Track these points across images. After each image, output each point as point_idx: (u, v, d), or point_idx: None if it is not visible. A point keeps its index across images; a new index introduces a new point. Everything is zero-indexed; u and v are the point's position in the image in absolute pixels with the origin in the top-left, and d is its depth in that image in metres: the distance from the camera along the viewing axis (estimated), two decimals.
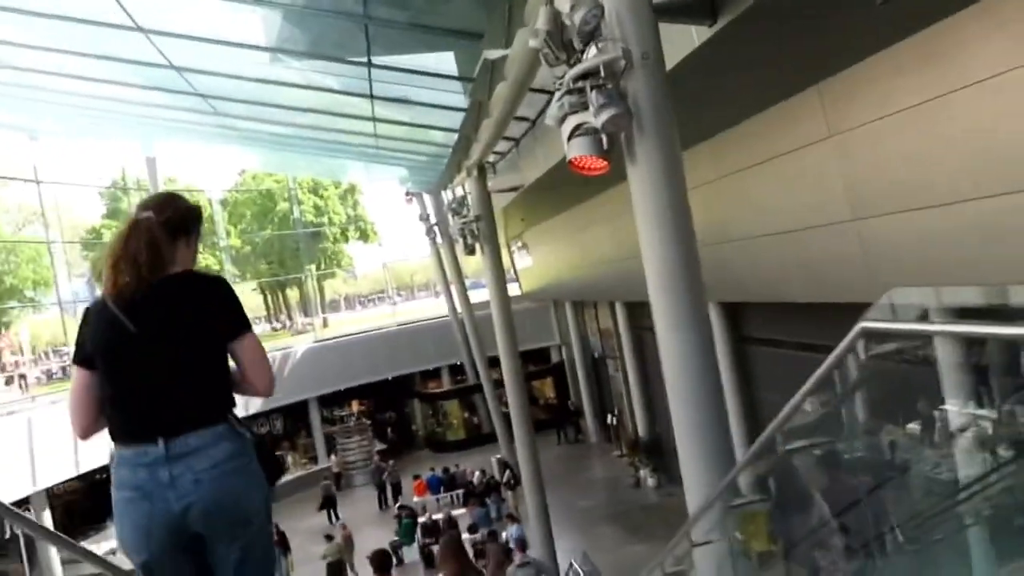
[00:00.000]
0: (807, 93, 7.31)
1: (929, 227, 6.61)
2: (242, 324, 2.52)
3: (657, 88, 4.39)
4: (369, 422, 28.40)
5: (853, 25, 5.81)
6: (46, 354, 38.36)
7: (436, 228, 23.54)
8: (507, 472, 20.36)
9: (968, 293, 3.48)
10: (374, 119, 11.71)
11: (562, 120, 4.60)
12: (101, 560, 3.66)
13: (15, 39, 9.81)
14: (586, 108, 4.43)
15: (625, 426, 22.95)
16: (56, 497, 18.75)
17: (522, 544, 11.29)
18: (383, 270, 40.03)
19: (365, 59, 8.75)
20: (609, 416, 24.42)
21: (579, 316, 26.45)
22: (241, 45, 8.97)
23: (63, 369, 25.54)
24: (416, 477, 22.50)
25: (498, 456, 22.20)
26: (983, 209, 5.87)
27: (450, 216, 14.16)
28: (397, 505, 20.38)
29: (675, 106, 4.47)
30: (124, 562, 2.84)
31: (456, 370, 29.46)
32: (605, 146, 4.43)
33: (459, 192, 14.40)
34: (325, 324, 36.24)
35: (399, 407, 31.65)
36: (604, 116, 4.21)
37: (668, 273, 4.44)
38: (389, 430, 29.82)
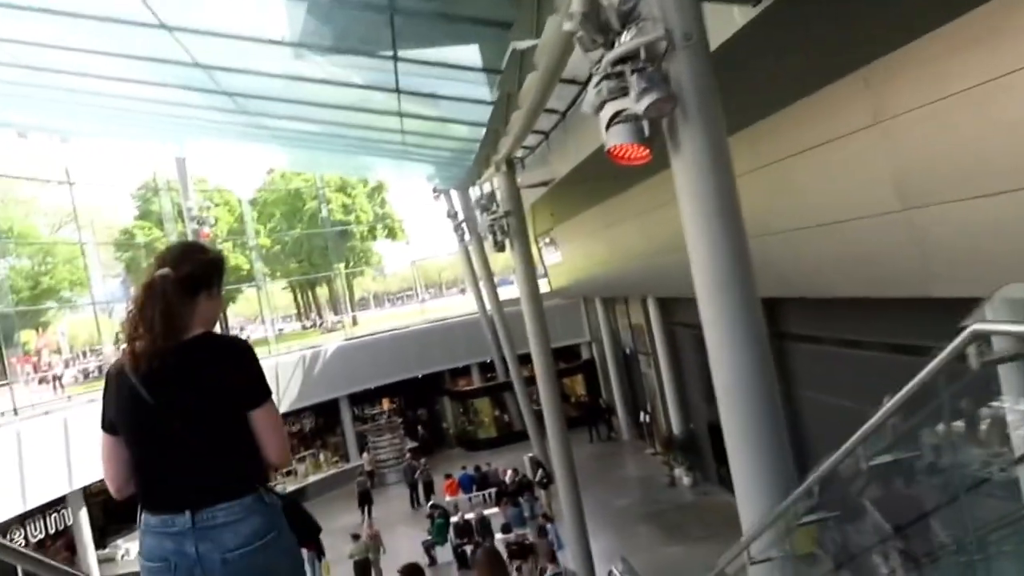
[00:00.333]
0: (852, 78, 6.96)
1: (985, 217, 6.25)
2: (260, 392, 2.44)
3: (701, 70, 4.12)
4: (400, 420, 28.34)
5: (902, 3, 5.48)
6: (83, 353, 38.97)
7: (464, 225, 23.37)
8: (540, 471, 20.13)
9: None
10: (400, 114, 11.51)
11: (600, 107, 4.34)
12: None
13: (42, 40, 9.76)
14: (626, 94, 4.17)
15: (658, 423, 22.61)
16: (93, 496, 18.91)
17: (552, 554, 11.09)
18: (411, 268, 39.98)
19: (391, 52, 8.55)
20: (642, 413, 24.10)
21: (610, 312, 26.13)
22: (265, 41, 8.82)
23: (99, 368, 25.76)
24: (448, 476, 22.36)
25: (530, 455, 21.97)
26: None
27: (478, 213, 13.96)
28: (429, 504, 20.24)
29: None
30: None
31: (486, 368, 29.31)
32: (647, 133, 4.17)
33: (487, 188, 14.18)
34: (355, 322, 36.31)
35: (429, 405, 31.59)
36: (646, 101, 3.94)
37: (717, 266, 4.17)
38: (420, 428, 29.74)
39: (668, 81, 4.04)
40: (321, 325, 41.89)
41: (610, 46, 4.27)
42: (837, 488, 3.69)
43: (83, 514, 16.60)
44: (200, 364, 2.37)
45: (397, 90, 10.05)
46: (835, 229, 8.26)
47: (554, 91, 8.31)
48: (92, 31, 8.82)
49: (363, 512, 22.30)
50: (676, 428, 20.36)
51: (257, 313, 32.64)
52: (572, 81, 9.00)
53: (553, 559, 11.00)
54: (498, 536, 17.24)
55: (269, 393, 2.47)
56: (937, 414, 3.01)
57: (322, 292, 47.79)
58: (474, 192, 17.98)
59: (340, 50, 9.30)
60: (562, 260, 23.69)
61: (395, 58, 8.59)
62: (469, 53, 8.82)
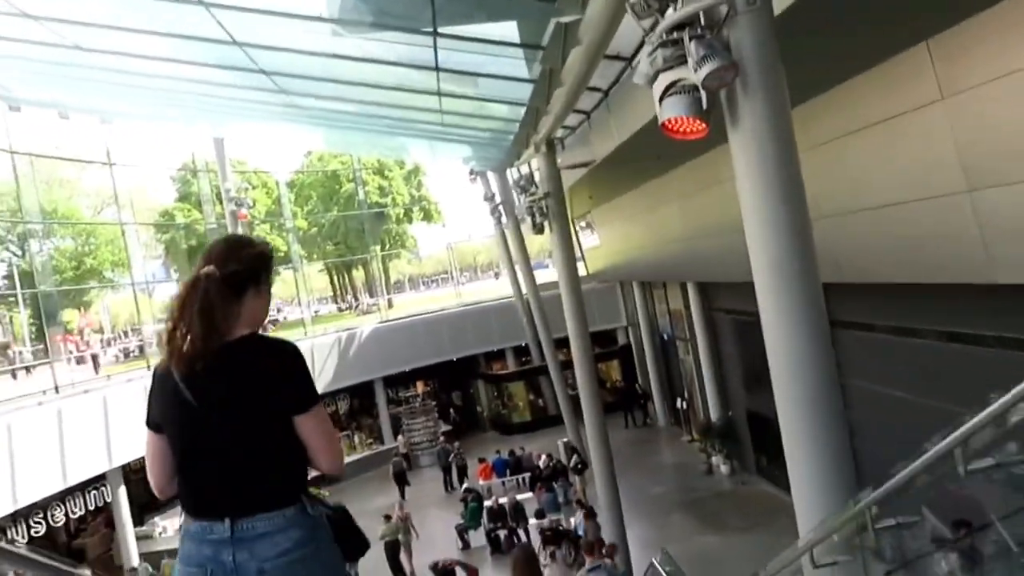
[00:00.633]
0: (916, 50, 6.58)
1: None
2: (308, 397, 2.35)
3: (765, 37, 3.85)
4: (434, 403, 28.37)
5: None
6: (125, 333, 39.65)
7: (501, 208, 23.16)
8: (574, 456, 19.96)
9: None
10: (439, 94, 11.30)
11: (654, 78, 4.09)
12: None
13: (81, 18, 9.73)
14: (682, 62, 3.92)
15: (696, 410, 22.29)
16: (134, 472, 19.19)
17: (591, 547, 10.95)
18: (447, 251, 39.91)
19: (431, 29, 8.34)
20: (678, 400, 23.78)
21: (647, 297, 25.78)
22: (303, 17, 8.65)
23: (140, 348, 26.13)
24: (482, 460, 22.29)
25: (565, 440, 21.82)
26: None
27: (516, 195, 13.74)
28: (463, 488, 20.19)
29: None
30: None
31: (521, 351, 29.18)
32: (704, 105, 3.91)
33: (525, 170, 13.96)
34: (390, 305, 36.36)
35: (464, 388, 31.59)
36: (706, 69, 3.69)
37: (777, 249, 3.91)
38: (452, 411, 29.75)
39: (729, 48, 3.78)
40: (357, 307, 42.05)
41: (665, 11, 4.02)
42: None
43: (122, 491, 16.80)
44: (244, 367, 2.28)
45: (436, 68, 9.84)
46: (891, 211, 7.89)
47: (598, 67, 8.05)
48: (130, 8, 8.75)
49: (401, 492, 22.46)
50: (714, 415, 20.03)
51: (294, 295, 32.80)
52: (616, 57, 8.72)
53: (592, 551, 10.80)
54: (532, 521, 17.13)
55: (317, 398, 2.38)
56: None
57: (358, 275, 48.01)
58: (512, 174, 17.73)
59: (380, 26, 9.11)
60: (599, 243, 23.39)
61: (435, 34, 8.37)
62: (510, 29, 8.57)
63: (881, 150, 7.65)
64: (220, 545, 2.25)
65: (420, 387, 28.60)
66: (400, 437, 26.62)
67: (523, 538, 17.07)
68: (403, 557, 16.60)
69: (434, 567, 8.77)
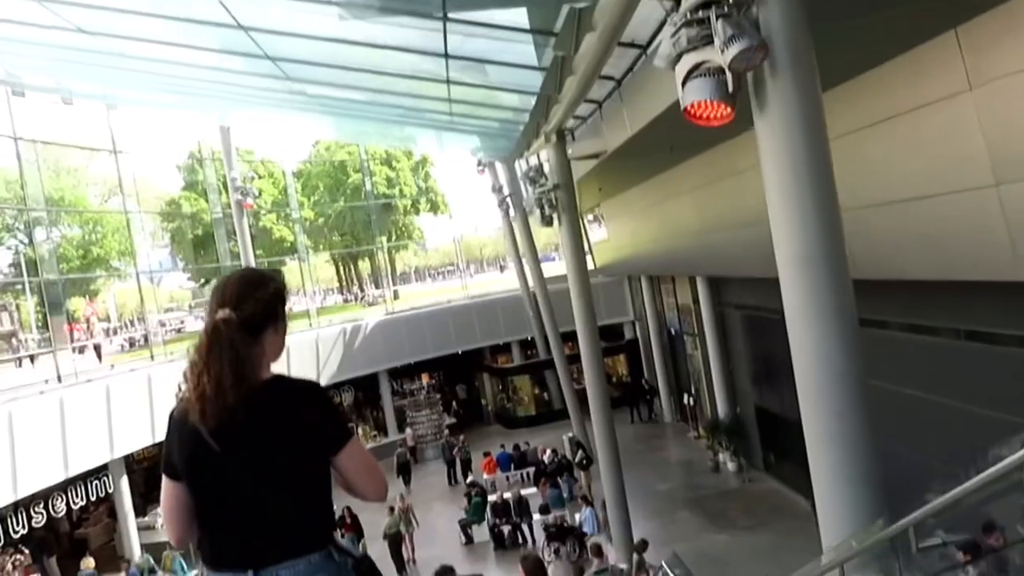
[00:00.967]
0: (945, 38, 6.34)
1: None
2: (342, 434, 2.28)
3: (797, 17, 3.62)
4: (439, 396, 28.23)
5: None
6: (131, 322, 39.59)
7: (509, 199, 22.96)
8: (579, 452, 19.78)
9: None
10: (448, 81, 11.08)
11: (676, 60, 3.87)
12: None
13: (85, 0, 9.55)
14: (708, 43, 3.70)
15: (703, 407, 22.08)
16: (137, 462, 19.11)
17: (598, 550, 10.85)
18: (453, 243, 39.71)
19: (440, 13, 8.12)
20: (685, 396, 23.57)
21: (655, 291, 25.55)
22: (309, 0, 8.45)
23: (144, 338, 26.00)
24: (486, 454, 22.12)
25: (570, 435, 21.65)
26: None
27: (525, 186, 13.55)
28: (467, 482, 20.03)
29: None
30: None
31: (527, 345, 29.01)
32: (730, 89, 3.69)
33: (534, 161, 13.76)
34: (396, 296, 36.22)
35: (469, 381, 31.44)
36: (733, 50, 3.47)
37: (805, 242, 3.70)
38: (454, 403, 29.62)
39: (758, 28, 3.56)
40: (363, 299, 41.93)
41: None
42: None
43: (124, 482, 16.70)
44: (273, 413, 2.19)
45: (446, 55, 9.62)
46: (913, 206, 7.65)
47: (612, 55, 7.82)
48: None
49: (403, 482, 22.47)
50: (721, 412, 19.81)
51: (300, 286, 32.69)
52: (631, 44, 8.49)
53: (600, 554, 10.71)
54: (536, 517, 16.97)
55: (350, 433, 2.30)
56: None
57: (364, 266, 47.87)
58: (520, 165, 17.51)
59: (387, 11, 8.89)
60: (608, 237, 23.15)
61: (444, 19, 8.15)
62: (522, 15, 8.34)
63: (904, 142, 7.40)
64: None
65: (425, 379, 28.44)
66: (408, 430, 26.49)
67: (527, 534, 16.91)
68: (404, 547, 16.46)
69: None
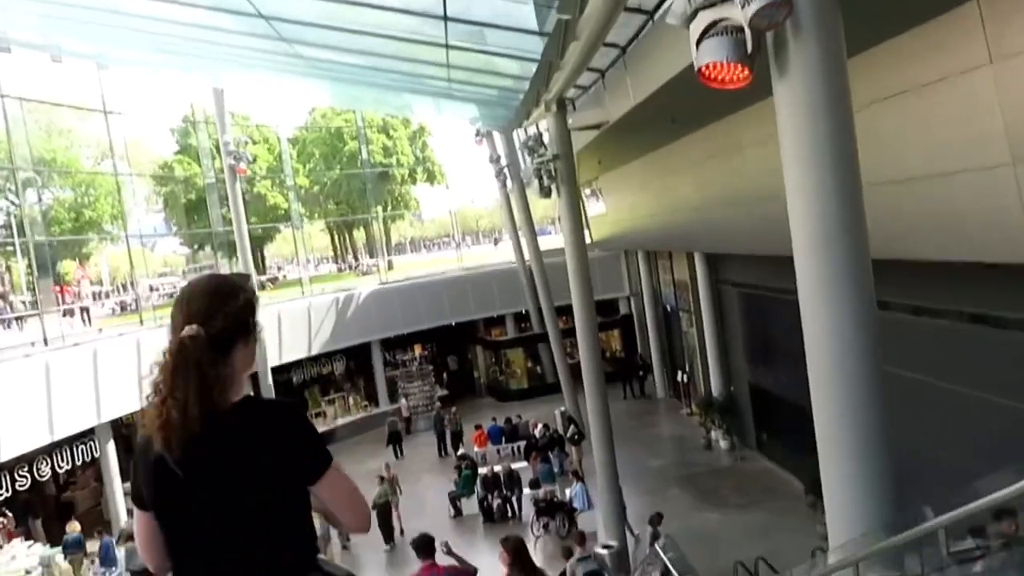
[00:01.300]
0: (966, 8, 6.05)
1: None
2: (320, 462, 2.09)
3: None
4: (431, 367, 28.10)
5: None
6: (124, 286, 39.31)
7: (507, 170, 22.64)
8: (572, 427, 19.68)
9: None
10: (447, 46, 10.75)
11: (692, 17, 3.59)
12: None
13: None
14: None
15: (697, 384, 21.98)
16: (126, 427, 18.93)
17: (582, 538, 10.78)
18: (449, 215, 39.41)
19: None
20: (679, 372, 23.46)
21: (652, 267, 25.34)
22: None
23: (135, 302, 25.73)
24: (478, 427, 22.02)
25: (562, 409, 21.55)
26: None
27: (523, 156, 13.25)
28: (458, 455, 19.93)
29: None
30: None
31: (521, 318, 28.85)
32: (749, 49, 3.43)
33: (533, 131, 13.46)
34: (390, 267, 35.95)
35: (462, 353, 31.31)
36: (755, 6, 3.20)
37: (824, 221, 3.46)
38: (445, 375, 29.52)
39: None
40: (357, 268, 41.65)
41: None
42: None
43: (111, 447, 16.53)
44: (242, 443, 2.01)
45: (444, 18, 9.30)
46: (924, 184, 7.40)
47: (618, 19, 7.51)
48: None
49: (395, 452, 22.56)
50: (715, 389, 19.71)
51: (294, 254, 32.35)
52: (637, 9, 8.19)
53: (583, 542, 10.65)
54: (526, 491, 16.88)
55: (329, 460, 2.10)
56: None
57: (359, 235, 47.53)
58: (519, 136, 17.19)
59: None
60: (606, 211, 22.86)
61: None
62: None
63: (918, 117, 7.13)
64: None
65: (418, 350, 28.27)
66: (403, 400, 26.38)
67: (516, 508, 16.83)
68: (393, 516, 16.36)
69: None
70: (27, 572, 13.20)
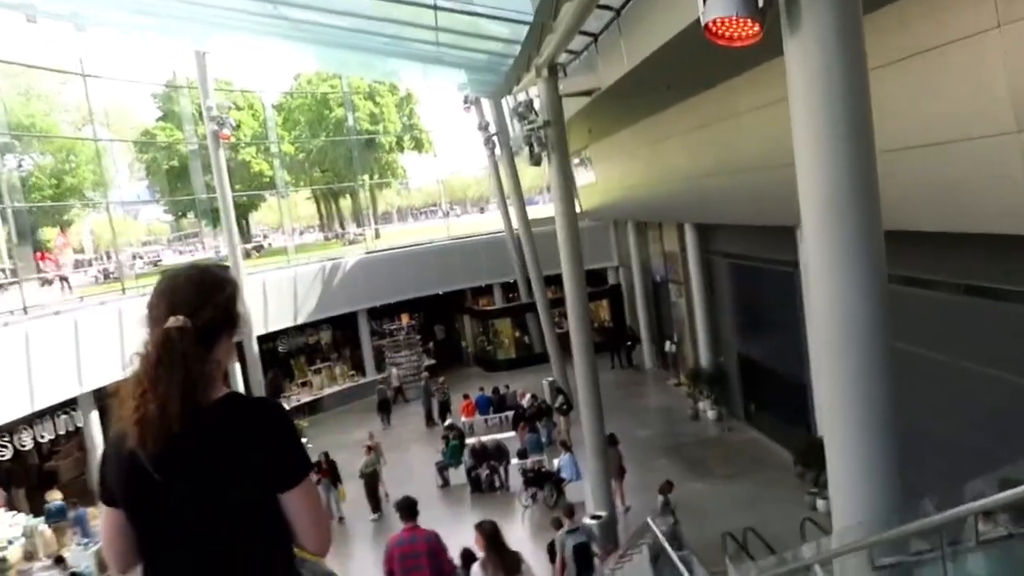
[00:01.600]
0: None
1: None
2: (298, 470, 2.00)
3: None
4: (419, 336, 27.97)
5: None
6: (108, 254, 38.80)
7: (495, 138, 22.32)
8: (560, 397, 19.63)
9: None
10: (436, 7, 10.43)
11: None
12: None
13: None
14: None
15: (685, 355, 21.96)
16: (109, 397, 18.70)
17: (570, 510, 10.77)
18: (437, 183, 38.99)
19: None
20: (667, 343, 23.42)
21: (641, 237, 25.17)
22: None
23: (118, 269, 25.36)
24: (465, 397, 21.95)
25: (550, 379, 21.49)
26: None
27: (512, 123, 12.99)
28: (446, 425, 19.86)
29: None
30: None
31: (509, 288, 28.70)
32: (760, 2, 3.22)
33: (523, 97, 13.18)
34: (377, 235, 35.63)
35: (449, 323, 31.17)
36: None
37: (835, 183, 3.29)
38: (432, 345, 29.39)
39: None
40: (343, 236, 41.31)
41: None
42: None
43: (94, 416, 16.34)
44: (222, 442, 1.92)
45: None
46: (926, 152, 7.25)
47: None
48: None
49: (381, 420, 22.51)
50: (704, 360, 19.68)
51: (279, 222, 31.97)
52: None
53: (571, 513, 10.64)
54: (514, 462, 16.84)
55: (307, 470, 2.03)
56: None
57: (345, 204, 47.03)
58: (508, 102, 16.86)
59: None
60: (595, 180, 22.66)
61: None
62: None
63: (921, 83, 6.96)
64: None
65: (405, 320, 28.11)
66: (393, 370, 26.21)
67: (504, 478, 16.80)
68: (380, 485, 16.29)
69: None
70: (10, 542, 13.07)
